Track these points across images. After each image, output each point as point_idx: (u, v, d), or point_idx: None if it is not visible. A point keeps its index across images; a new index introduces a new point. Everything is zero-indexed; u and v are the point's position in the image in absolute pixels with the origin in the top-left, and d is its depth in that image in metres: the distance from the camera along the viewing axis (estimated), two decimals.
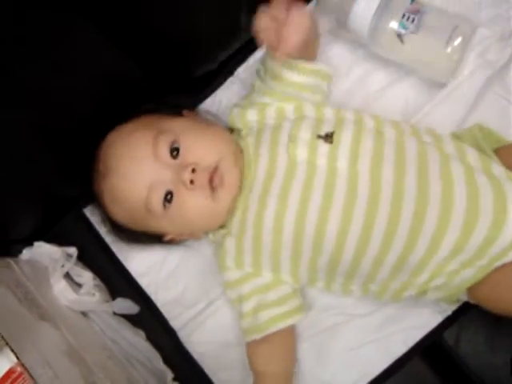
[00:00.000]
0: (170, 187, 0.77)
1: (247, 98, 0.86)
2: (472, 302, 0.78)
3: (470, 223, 0.71)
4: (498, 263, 0.72)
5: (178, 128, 0.79)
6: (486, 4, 0.87)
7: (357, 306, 0.85)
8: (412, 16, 0.79)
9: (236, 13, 0.86)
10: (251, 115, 0.83)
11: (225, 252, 0.81)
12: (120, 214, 0.82)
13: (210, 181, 0.77)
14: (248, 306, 0.81)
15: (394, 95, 0.88)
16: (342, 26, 0.85)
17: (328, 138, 0.76)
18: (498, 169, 0.75)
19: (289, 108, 0.82)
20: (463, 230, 0.71)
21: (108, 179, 0.80)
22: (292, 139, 0.77)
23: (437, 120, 0.86)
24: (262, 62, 0.84)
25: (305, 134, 0.77)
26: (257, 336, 0.81)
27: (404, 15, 0.79)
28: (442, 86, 0.86)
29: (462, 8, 0.87)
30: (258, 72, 0.85)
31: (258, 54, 0.92)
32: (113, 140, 0.82)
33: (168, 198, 0.77)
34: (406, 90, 0.87)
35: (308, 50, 0.79)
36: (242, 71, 0.93)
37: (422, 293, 0.78)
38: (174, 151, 0.77)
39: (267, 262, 0.80)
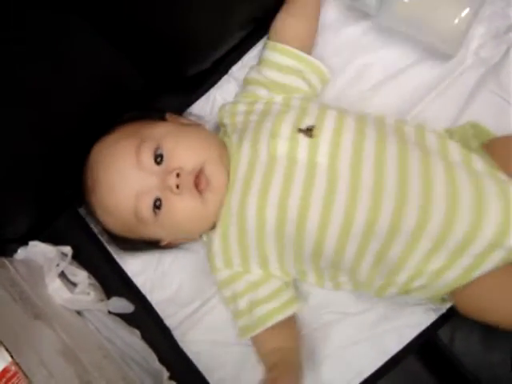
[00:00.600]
0: (158, 194, 0.77)
1: (239, 94, 0.88)
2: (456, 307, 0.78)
3: (449, 222, 0.71)
4: (479, 271, 0.72)
5: (160, 134, 0.79)
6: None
7: (350, 305, 0.85)
8: None
9: (230, 12, 0.86)
10: (241, 107, 0.84)
11: (213, 254, 0.82)
12: (114, 225, 0.83)
13: (196, 184, 0.77)
14: (243, 304, 0.82)
15: (389, 92, 0.87)
16: None
17: (308, 131, 0.76)
18: (479, 163, 0.75)
19: (277, 100, 0.83)
20: (442, 228, 0.71)
21: (96, 192, 0.80)
22: (273, 135, 0.77)
23: (431, 117, 0.86)
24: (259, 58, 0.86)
25: (285, 128, 0.77)
26: (253, 333, 0.81)
27: None
28: (441, 74, 0.86)
29: None
30: (252, 68, 0.87)
31: (252, 53, 0.93)
32: (97, 152, 0.82)
33: (157, 204, 0.77)
34: (401, 87, 0.87)
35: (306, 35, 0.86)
36: (237, 70, 0.93)
37: (404, 292, 0.78)
38: (158, 157, 0.77)
39: (254, 257, 0.80)
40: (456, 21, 0.79)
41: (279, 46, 0.84)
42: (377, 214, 0.72)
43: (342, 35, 0.90)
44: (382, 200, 0.72)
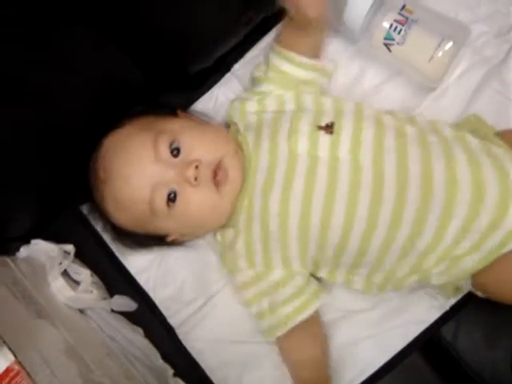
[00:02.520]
0: (173, 186, 0.77)
1: (247, 90, 0.88)
2: (475, 290, 0.78)
3: (476, 207, 0.71)
4: (504, 250, 0.72)
5: (177, 128, 0.79)
6: (485, 0, 0.87)
7: (354, 302, 0.85)
8: (399, 27, 0.79)
9: (233, 9, 0.85)
10: (251, 107, 0.84)
11: (236, 254, 0.81)
12: (124, 219, 0.82)
13: (214, 176, 0.77)
14: (265, 304, 0.81)
15: (391, 92, 0.87)
16: (337, 20, 0.85)
17: (328, 128, 0.77)
18: (498, 150, 0.75)
19: (288, 97, 0.83)
20: (468, 213, 0.72)
21: (109, 184, 0.79)
22: (292, 132, 0.77)
23: (434, 116, 0.85)
24: (265, 57, 0.86)
25: (305, 126, 0.77)
26: (282, 331, 0.81)
27: (391, 25, 0.80)
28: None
29: (461, 4, 0.87)
30: (258, 67, 0.86)
31: (254, 50, 0.93)
32: (110, 145, 0.81)
33: (171, 197, 0.77)
34: (403, 87, 0.87)
35: (313, 44, 0.83)
36: (239, 67, 0.93)
37: (426, 279, 0.78)
38: (175, 151, 0.77)
39: (277, 255, 0.80)
40: (439, 54, 0.79)
41: (297, 59, 0.83)
42: (402, 208, 0.72)
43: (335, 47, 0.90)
44: (407, 193, 0.72)
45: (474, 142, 0.77)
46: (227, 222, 0.82)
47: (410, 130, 0.77)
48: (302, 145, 0.76)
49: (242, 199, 0.79)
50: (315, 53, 0.85)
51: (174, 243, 0.86)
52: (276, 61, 0.84)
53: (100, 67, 0.84)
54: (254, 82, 0.87)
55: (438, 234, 0.73)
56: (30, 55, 0.75)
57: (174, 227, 0.82)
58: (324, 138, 0.76)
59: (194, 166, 0.75)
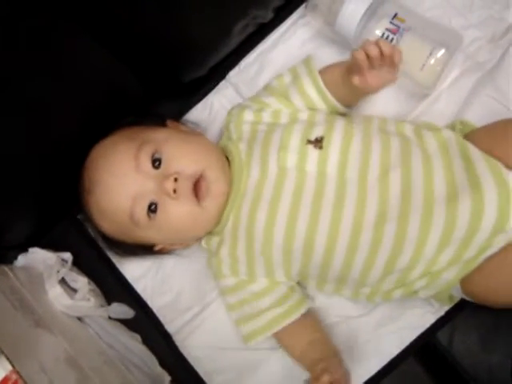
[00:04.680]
0: (154, 198, 0.77)
1: (251, 97, 0.88)
2: (467, 298, 0.78)
3: (451, 219, 0.72)
4: (483, 256, 0.73)
5: (160, 138, 0.79)
6: (478, 5, 0.87)
7: (350, 308, 0.86)
8: (391, 36, 0.80)
9: (227, 18, 0.86)
10: (248, 115, 0.84)
11: (220, 260, 0.82)
12: (109, 228, 0.83)
13: (195, 189, 0.77)
14: (249, 310, 0.82)
15: (384, 98, 0.87)
16: (330, 27, 0.85)
17: (318, 142, 0.77)
18: (474, 151, 0.76)
19: (285, 112, 0.83)
20: (445, 226, 0.72)
21: (93, 194, 0.80)
22: (282, 146, 0.78)
23: (428, 121, 0.85)
24: (294, 71, 0.85)
25: (295, 140, 0.78)
26: (261, 337, 0.82)
27: (383, 34, 0.80)
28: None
29: (453, 10, 0.87)
30: (280, 78, 0.85)
31: (249, 58, 0.93)
32: (96, 154, 0.82)
33: (152, 208, 0.77)
34: (396, 93, 0.87)
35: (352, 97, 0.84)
36: (234, 75, 0.93)
37: (413, 293, 0.78)
38: (156, 162, 0.77)
39: (261, 268, 0.80)
40: (432, 61, 0.79)
41: (326, 94, 0.82)
42: (383, 225, 0.73)
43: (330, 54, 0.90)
44: (388, 210, 0.73)
45: (454, 145, 0.77)
46: (213, 230, 0.82)
47: (395, 143, 0.77)
48: (291, 159, 0.77)
49: (230, 211, 0.79)
50: (347, 101, 0.84)
51: (164, 252, 0.87)
52: (308, 86, 0.82)
53: (97, 77, 0.84)
54: (268, 90, 0.86)
55: (418, 250, 0.73)
56: (26, 64, 0.75)
57: (156, 237, 0.82)
58: (313, 152, 0.76)
59: (172, 178, 0.75)
